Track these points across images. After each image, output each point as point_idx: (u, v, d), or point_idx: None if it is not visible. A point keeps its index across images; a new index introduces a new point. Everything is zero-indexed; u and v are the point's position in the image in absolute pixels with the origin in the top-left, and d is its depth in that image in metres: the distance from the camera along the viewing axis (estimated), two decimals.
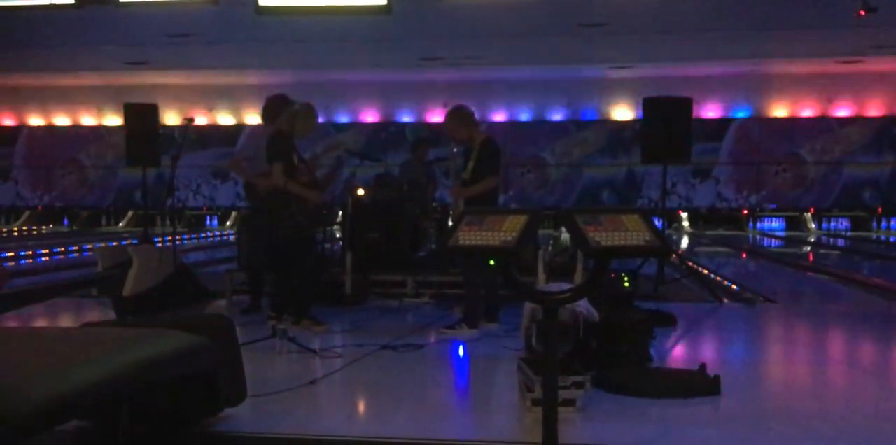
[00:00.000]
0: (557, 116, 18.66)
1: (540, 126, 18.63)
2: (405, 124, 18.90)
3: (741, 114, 18.18)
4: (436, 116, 18.20)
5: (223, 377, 3.23)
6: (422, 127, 18.31)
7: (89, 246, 12.34)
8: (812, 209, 18.06)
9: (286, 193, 5.54)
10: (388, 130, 18.93)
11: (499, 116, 18.53)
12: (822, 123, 17.89)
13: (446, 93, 17.02)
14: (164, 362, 2.23)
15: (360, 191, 7.31)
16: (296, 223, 5.56)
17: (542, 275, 6.18)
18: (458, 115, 5.71)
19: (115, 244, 10.98)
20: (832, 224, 18.14)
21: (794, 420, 3.55)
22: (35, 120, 20.38)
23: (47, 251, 12.30)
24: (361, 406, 4.02)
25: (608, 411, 3.65)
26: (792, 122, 18.00)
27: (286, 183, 5.52)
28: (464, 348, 5.16)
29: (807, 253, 13.85)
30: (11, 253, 11.46)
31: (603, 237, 2.39)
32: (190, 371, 2.46)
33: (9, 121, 20.50)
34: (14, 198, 20.45)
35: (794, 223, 18.09)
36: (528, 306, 4.43)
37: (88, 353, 2.09)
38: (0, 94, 19.74)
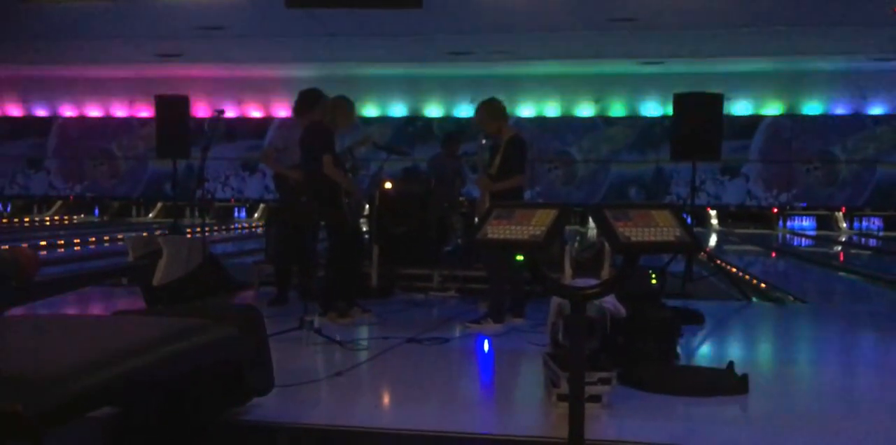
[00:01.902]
0: (585, 112, 18.56)
1: (567, 121, 18.55)
2: (433, 119, 18.91)
3: (772, 112, 17.97)
4: (463, 111, 18.18)
5: (251, 366, 3.26)
6: (449, 121, 18.31)
7: (120, 237, 12.49)
8: (843, 208, 17.81)
9: (336, 186, 5.59)
10: (415, 124, 18.95)
11: (526, 111, 18.46)
12: (856, 121, 17.63)
13: (474, 87, 16.99)
14: (195, 351, 2.25)
15: (388, 185, 7.33)
16: (343, 215, 5.63)
17: (568, 271, 6.15)
18: (490, 107, 5.73)
19: (145, 234, 11.11)
20: (864, 223, 17.88)
21: (822, 421, 3.52)
22: (67, 111, 20.66)
23: (79, 241, 12.48)
24: (386, 399, 4.04)
25: (634, 408, 3.63)
26: (824, 120, 17.76)
27: (339, 175, 5.59)
28: (489, 342, 5.16)
29: (838, 253, 13.68)
30: (44, 243, 11.64)
31: (632, 232, 2.37)
32: (219, 361, 2.49)
33: (42, 112, 20.79)
34: (46, 187, 20.76)
35: (825, 222, 17.85)
36: (555, 301, 4.42)
37: (121, 341, 2.12)
38: (33, 86, 20.03)
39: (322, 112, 5.93)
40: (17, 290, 5.24)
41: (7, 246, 7.96)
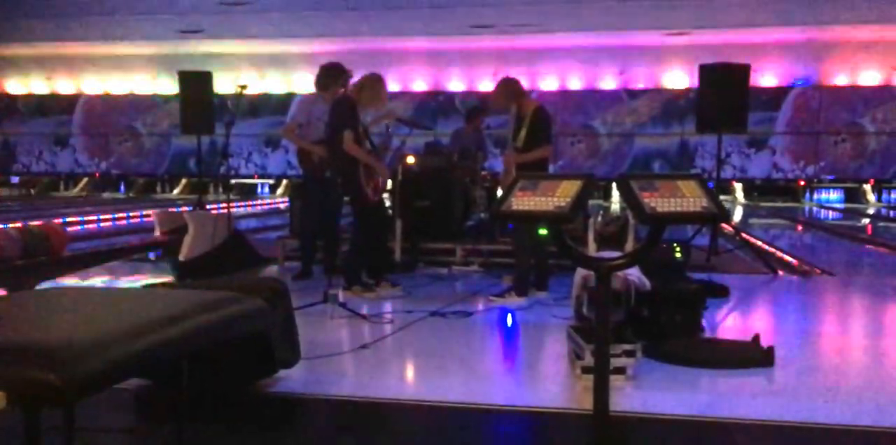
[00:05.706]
0: (609, 84, 18.36)
1: (591, 94, 18.37)
2: (455, 93, 18.81)
3: (800, 83, 17.67)
4: (486, 85, 18.05)
5: (278, 339, 3.29)
6: (472, 95, 18.20)
7: (145, 213, 12.62)
8: (872, 180, 17.56)
9: (355, 162, 5.59)
10: (437, 99, 18.86)
11: (549, 85, 18.29)
12: (885, 92, 17.30)
13: (496, 61, 16.85)
14: (223, 323, 2.27)
15: (410, 160, 7.31)
16: (363, 191, 5.64)
17: (592, 244, 6.13)
18: (502, 87, 5.77)
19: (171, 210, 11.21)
20: (892, 196, 17.63)
21: (847, 394, 3.50)
22: (92, 88, 20.76)
23: (105, 217, 12.61)
24: (411, 371, 4.07)
25: (659, 380, 3.63)
26: (853, 91, 17.45)
27: (358, 151, 5.58)
28: (513, 316, 5.17)
29: (865, 226, 13.51)
30: (71, 219, 11.78)
31: (658, 203, 2.35)
32: (248, 333, 2.51)
33: (67, 90, 20.92)
34: (72, 164, 20.96)
35: (853, 195, 17.62)
36: (579, 274, 4.41)
37: (151, 313, 2.14)
38: (58, 63, 20.14)
39: (346, 87, 5.92)
40: (47, 264, 5.32)
41: (37, 222, 8.06)
